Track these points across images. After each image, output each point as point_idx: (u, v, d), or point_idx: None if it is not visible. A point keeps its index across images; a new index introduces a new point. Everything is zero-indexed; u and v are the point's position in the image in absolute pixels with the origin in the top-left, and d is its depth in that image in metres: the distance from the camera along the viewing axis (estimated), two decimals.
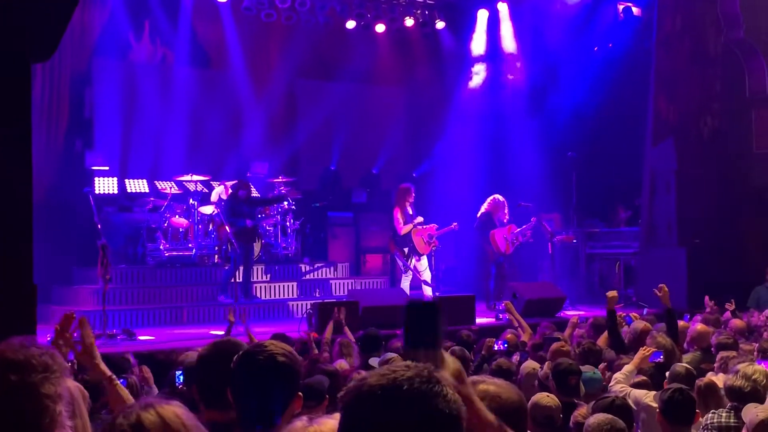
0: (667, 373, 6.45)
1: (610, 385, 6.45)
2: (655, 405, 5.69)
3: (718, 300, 11.19)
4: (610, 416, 4.74)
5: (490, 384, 2.51)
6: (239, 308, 10.88)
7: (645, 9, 15.65)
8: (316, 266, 15.56)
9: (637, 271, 15.02)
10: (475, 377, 2.59)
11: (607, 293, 8.94)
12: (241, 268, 13.27)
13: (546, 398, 5.46)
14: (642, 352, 6.89)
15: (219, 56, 16.61)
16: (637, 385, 6.46)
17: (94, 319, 11.27)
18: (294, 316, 13.24)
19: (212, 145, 15.90)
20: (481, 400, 2.51)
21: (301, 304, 13.41)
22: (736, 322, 9.70)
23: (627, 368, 6.70)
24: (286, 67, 16.86)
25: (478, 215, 14.25)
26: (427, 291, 13.57)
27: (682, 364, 6.68)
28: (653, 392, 6.10)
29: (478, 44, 17.48)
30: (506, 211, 14.21)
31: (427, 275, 13.74)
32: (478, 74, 17.35)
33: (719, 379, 6.24)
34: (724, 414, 5.46)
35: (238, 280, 13.11)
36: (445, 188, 16.48)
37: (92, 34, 14.99)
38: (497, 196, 14.23)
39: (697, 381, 6.13)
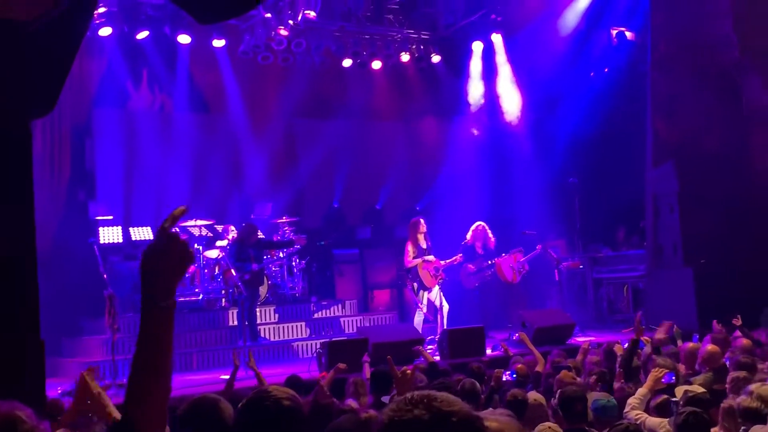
0: (680, 397, 6.40)
1: (625, 411, 6.40)
2: None
3: (729, 319, 11.13)
4: None
5: (492, 421, 2.50)
6: (247, 351, 10.84)
7: (638, 33, 15.76)
8: (324, 304, 15.54)
9: (645, 294, 14.98)
10: (477, 414, 2.58)
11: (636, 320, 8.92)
12: (248, 311, 13.28)
13: (548, 429, 5.46)
14: (654, 374, 6.85)
15: (218, 101, 16.71)
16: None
17: (104, 370, 11.29)
18: (304, 356, 13.20)
19: (215, 188, 15.97)
20: None
21: (311, 344, 13.38)
22: (744, 342, 9.62)
23: (640, 392, 6.66)
24: (284, 107, 16.97)
25: (462, 244, 14.25)
26: (418, 321, 13.46)
27: (695, 387, 6.63)
28: (667, 419, 6.06)
29: (475, 76, 17.59)
30: (491, 236, 14.09)
31: (444, 308, 13.60)
32: (476, 105, 17.45)
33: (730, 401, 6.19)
34: None
35: (245, 323, 13.12)
36: (449, 220, 16.47)
37: (91, 84, 15.11)
38: (479, 224, 14.18)
39: (722, 403, 6.08)
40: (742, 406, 5.69)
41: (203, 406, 3.66)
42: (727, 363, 7.96)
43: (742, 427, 5.55)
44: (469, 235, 14.09)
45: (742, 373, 7.24)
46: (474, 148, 17.37)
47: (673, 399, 6.37)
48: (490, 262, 14.15)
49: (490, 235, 14.09)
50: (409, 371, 5.18)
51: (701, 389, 6.51)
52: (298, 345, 13.78)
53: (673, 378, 7.02)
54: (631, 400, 6.52)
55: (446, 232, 15.77)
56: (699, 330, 11.56)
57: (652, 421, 6.08)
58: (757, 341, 10.08)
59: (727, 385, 7.19)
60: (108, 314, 10.59)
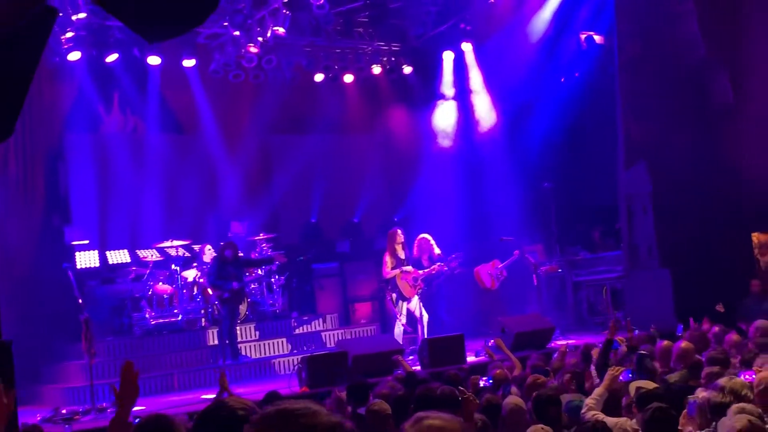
0: (633, 395, 6.38)
1: (582, 411, 6.37)
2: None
3: (708, 315, 11.19)
4: None
5: (435, 419, 2.55)
6: (226, 370, 10.82)
7: (607, 36, 15.84)
8: (304, 320, 15.52)
9: (624, 294, 15.02)
10: (420, 413, 2.61)
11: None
12: (227, 330, 13.26)
13: (540, 430, 5.47)
14: (611, 372, 6.85)
15: (190, 120, 16.71)
16: None
17: (84, 394, 11.25)
18: (286, 372, 13.16)
19: (190, 208, 15.93)
20: None
21: (293, 360, 13.34)
22: (733, 337, 9.62)
23: (597, 392, 6.62)
24: (257, 124, 16.99)
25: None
26: (398, 333, 13.43)
27: (646, 383, 6.62)
28: (624, 419, 6.06)
29: (447, 85, 17.65)
30: (433, 246, 13.91)
31: (424, 318, 13.56)
32: (448, 115, 17.52)
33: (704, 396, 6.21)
34: None
35: (225, 342, 13.11)
36: (427, 230, 16.45)
37: (62, 109, 15.09)
38: (423, 236, 13.97)
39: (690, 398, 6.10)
40: (712, 401, 5.70)
41: (157, 422, 3.68)
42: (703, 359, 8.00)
43: (713, 422, 5.56)
44: (414, 249, 13.97)
45: (716, 368, 7.28)
46: (449, 157, 17.41)
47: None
48: (454, 255, 14.03)
49: (435, 246, 13.93)
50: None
51: (653, 384, 6.51)
52: (279, 361, 13.75)
53: (630, 375, 7.03)
54: (588, 401, 6.48)
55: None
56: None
57: (609, 421, 6.06)
58: (744, 332, 10.07)
59: (701, 381, 7.22)
60: (84, 339, 10.55)
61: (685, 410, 5.87)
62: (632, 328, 11.06)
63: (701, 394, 6.45)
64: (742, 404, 5.18)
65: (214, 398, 8.62)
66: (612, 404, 6.58)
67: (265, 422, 2.06)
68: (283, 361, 13.71)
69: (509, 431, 6.40)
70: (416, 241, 13.93)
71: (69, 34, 13.80)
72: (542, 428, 5.53)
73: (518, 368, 9.43)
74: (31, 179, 14.41)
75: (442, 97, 17.72)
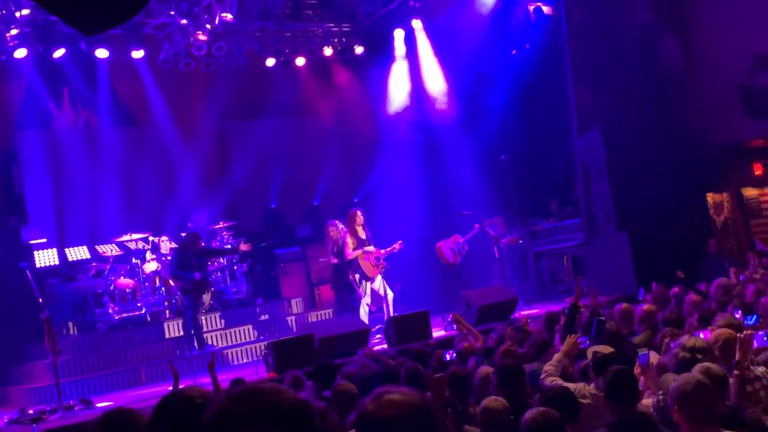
0: (590, 359, 6.45)
1: (541, 378, 6.44)
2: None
3: (669, 277, 11.33)
4: (543, 409, 4.79)
5: (395, 393, 2.57)
6: (205, 359, 10.79)
7: (554, 6, 15.91)
8: (268, 306, 15.52)
9: (584, 261, 15.18)
10: (380, 389, 2.63)
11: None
12: (191, 320, 13.21)
13: (494, 402, 5.51)
14: (569, 339, 6.93)
15: (143, 112, 16.56)
16: None
17: (51, 393, 11.17)
18: (253, 359, 13.16)
19: (148, 201, 15.82)
20: (388, 409, 2.58)
21: (259, 346, 13.35)
22: (692, 297, 9.72)
23: (556, 357, 6.69)
24: (212, 112, 16.88)
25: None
26: (363, 313, 13.48)
27: (603, 348, 6.70)
28: (582, 384, 6.13)
29: (399, 63, 17.63)
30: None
31: (389, 296, 13.62)
32: (402, 94, 17.53)
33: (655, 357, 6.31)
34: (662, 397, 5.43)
35: (191, 333, 13.06)
36: (388, 208, 16.53)
37: (12, 108, 14.93)
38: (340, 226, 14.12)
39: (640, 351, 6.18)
40: (674, 361, 5.74)
41: (118, 416, 3.70)
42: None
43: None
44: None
45: (673, 330, 7.40)
46: (405, 135, 17.42)
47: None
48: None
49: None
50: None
51: (609, 349, 6.58)
52: (246, 349, 13.73)
53: (588, 342, 7.11)
54: (547, 367, 6.54)
55: (385, 222, 15.84)
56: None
57: (570, 386, 6.14)
58: (704, 293, 10.21)
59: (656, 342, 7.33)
60: (47, 337, 10.46)
61: (638, 362, 5.94)
62: (595, 293, 11.18)
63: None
64: (707, 364, 5.21)
65: (171, 389, 8.60)
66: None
67: (230, 402, 2.07)
68: (250, 348, 13.70)
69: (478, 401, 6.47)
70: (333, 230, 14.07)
71: (14, 32, 13.60)
72: (495, 399, 5.57)
73: (480, 340, 9.50)
74: None
75: (395, 75, 17.69)
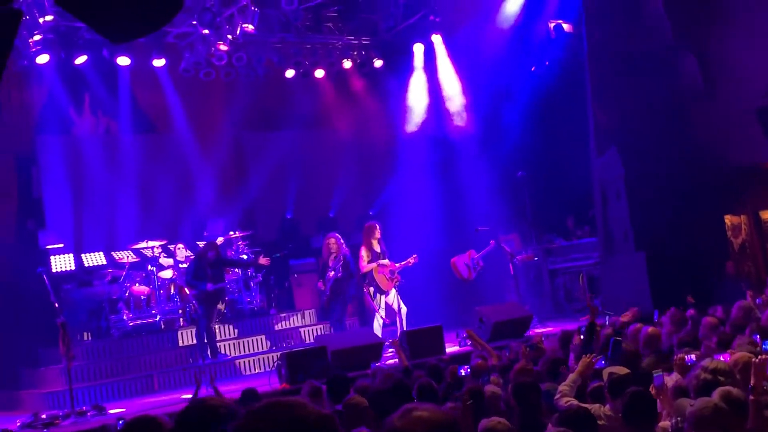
0: (606, 379, 6.40)
1: (555, 398, 6.40)
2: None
3: (685, 299, 11.29)
4: (562, 430, 4.77)
5: (423, 411, 2.59)
6: (207, 370, 10.82)
7: (575, 24, 15.91)
8: (283, 316, 15.52)
9: (600, 280, 15.12)
10: (408, 405, 2.65)
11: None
12: (205, 329, 13.23)
13: (497, 424, 5.48)
14: (585, 359, 6.89)
15: (163, 120, 16.64)
16: None
17: (64, 398, 11.20)
18: (266, 369, 13.15)
19: (165, 208, 15.86)
20: (417, 425, 2.60)
21: (272, 357, 13.36)
22: (709, 320, 9.66)
23: (571, 378, 6.64)
24: (230, 122, 16.98)
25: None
26: (377, 326, 13.46)
27: (619, 369, 6.66)
28: (597, 405, 6.09)
29: (418, 78, 17.67)
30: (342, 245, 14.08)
31: (403, 310, 13.60)
32: (420, 108, 17.55)
33: (672, 379, 6.25)
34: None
35: (204, 341, 13.09)
36: (403, 222, 16.53)
37: (33, 113, 15.02)
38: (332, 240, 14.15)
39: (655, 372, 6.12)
40: (694, 383, 5.67)
41: (143, 423, 3.72)
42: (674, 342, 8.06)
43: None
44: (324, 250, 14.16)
45: (687, 352, 7.34)
46: (423, 149, 17.44)
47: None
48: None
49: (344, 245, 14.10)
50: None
51: (625, 370, 6.54)
52: (259, 359, 13.74)
53: (604, 362, 7.07)
54: (562, 387, 6.49)
55: (400, 235, 15.84)
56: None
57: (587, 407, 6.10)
58: (720, 319, 10.13)
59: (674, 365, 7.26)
60: (62, 343, 10.51)
61: (653, 384, 5.89)
62: (610, 313, 11.14)
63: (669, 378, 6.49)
64: (728, 387, 5.16)
65: (191, 397, 8.63)
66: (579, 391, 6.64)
67: (255, 416, 2.07)
68: (263, 359, 13.70)
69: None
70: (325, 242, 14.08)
71: (37, 37, 13.67)
72: (498, 422, 5.54)
73: (494, 357, 9.48)
74: (4, 184, 14.35)
75: (414, 88, 17.72)
